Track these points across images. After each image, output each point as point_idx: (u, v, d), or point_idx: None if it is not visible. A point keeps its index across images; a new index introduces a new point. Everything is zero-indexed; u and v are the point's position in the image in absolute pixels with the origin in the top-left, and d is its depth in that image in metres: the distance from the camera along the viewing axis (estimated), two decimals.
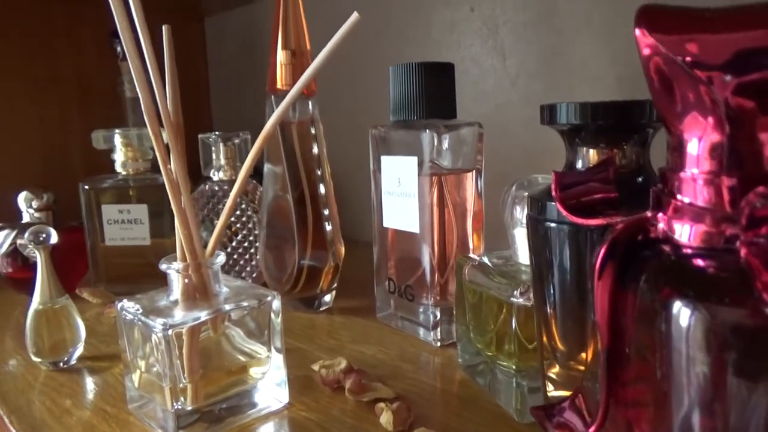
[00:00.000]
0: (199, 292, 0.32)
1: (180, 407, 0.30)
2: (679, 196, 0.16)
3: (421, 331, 0.43)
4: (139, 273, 0.59)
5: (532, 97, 0.57)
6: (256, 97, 0.94)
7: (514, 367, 0.30)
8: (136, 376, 0.33)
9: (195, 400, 0.31)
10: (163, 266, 0.32)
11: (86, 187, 0.58)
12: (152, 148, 0.59)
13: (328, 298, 0.52)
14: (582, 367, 0.25)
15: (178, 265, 0.32)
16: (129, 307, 0.32)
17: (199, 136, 0.57)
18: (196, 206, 0.57)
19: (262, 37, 0.91)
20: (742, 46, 0.14)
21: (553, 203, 0.24)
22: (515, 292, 0.30)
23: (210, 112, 1.02)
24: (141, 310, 0.31)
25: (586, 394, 0.19)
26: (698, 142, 0.15)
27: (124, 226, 0.58)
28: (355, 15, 0.29)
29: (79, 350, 0.42)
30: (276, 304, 0.33)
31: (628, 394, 0.17)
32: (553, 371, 0.25)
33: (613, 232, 0.17)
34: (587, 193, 0.20)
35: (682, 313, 0.14)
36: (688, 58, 0.14)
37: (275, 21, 0.48)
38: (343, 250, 0.52)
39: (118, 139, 0.57)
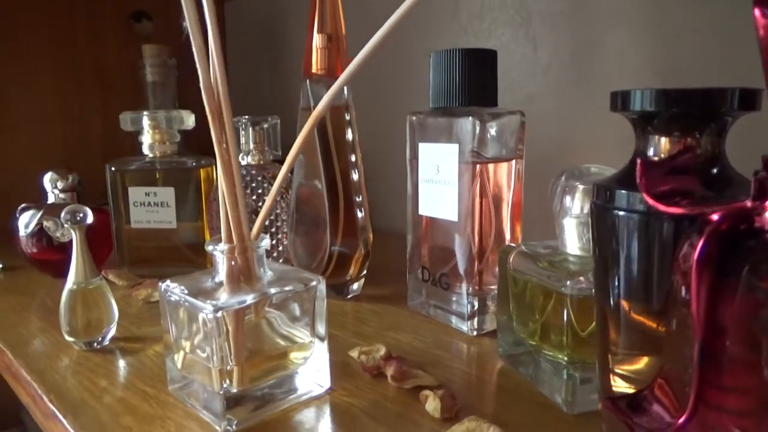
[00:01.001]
0: (243, 275, 0.32)
1: (227, 389, 0.30)
2: None
3: (454, 320, 0.43)
4: (163, 256, 0.59)
5: (563, 87, 0.57)
6: (274, 81, 0.93)
7: (566, 358, 0.30)
8: (178, 357, 0.33)
9: (241, 383, 0.30)
10: (209, 248, 0.32)
11: (113, 168, 0.57)
12: (180, 131, 0.59)
13: (356, 285, 0.52)
14: (642, 362, 0.25)
15: (224, 246, 0.31)
16: (174, 287, 0.32)
17: None
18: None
19: (283, 22, 0.90)
20: None
21: (622, 191, 0.24)
22: (568, 283, 0.30)
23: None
24: (187, 291, 0.31)
25: (668, 384, 0.19)
26: None
27: (150, 209, 0.57)
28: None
29: (113, 331, 0.42)
30: (321, 288, 0.33)
31: (721, 396, 0.17)
32: (618, 368, 0.25)
33: (712, 223, 0.16)
34: (669, 183, 0.20)
35: None
36: None
37: (312, 5, 0.47)
38: (371, 237, 0.51)
39: (145, 121, 0.57)
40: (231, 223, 0.31)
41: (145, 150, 0.57)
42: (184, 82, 0.84)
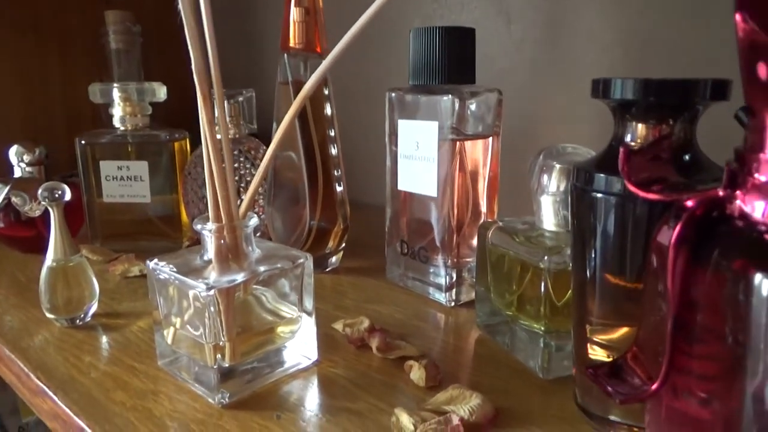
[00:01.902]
0: (232, 253, 0.33)
1: (219, 364, 0.31)
2: (756, 175, 0.17)
3: (432, 291, 0.45)
4: (137, 230, 0.59)
5: (536, 63, 0.58)
6: (248, 53, 0.91)
7: (542, 328, 0.32)
8: (168, 333, 0.34)
9: (233, 358, 0.31)
10: (197, 227, 0.32)
11: (83, 142, 0.56)
12: (152, 104, 0.58)
13: (334, 258, 0.53)
14: (617, 331, 0.27)
15: (212, 225, 0.32)
16: (162, 266, 0.32)
17: None
18: (198, 166, 0.56)
19: None
20: None
21: (601, 175, 0.25)
22: (545, 257, 0.31)
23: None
24: (176, 270, 0.32)
25: (642, 353, 0.21)
26: None
27: (123, 182, 0.57)
28: None
29: (94, 307, 0.42)
30: (308, 265, 0.34)
31: (690, 362, 0.18)
32: (595, 336, 0.27)
33: (688, 209, 0.18)
34: (647, 170, 0.21)
35: (764, 285, 0.16)
36: None
37: None
38: (349, 211, 0.52)
39: (116, 94, 0.55)
40: (220, 203, 0.31)
41: (116, 123, 0.56)
42: (149, 50, 0.81)
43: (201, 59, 0.27)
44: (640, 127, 0.25)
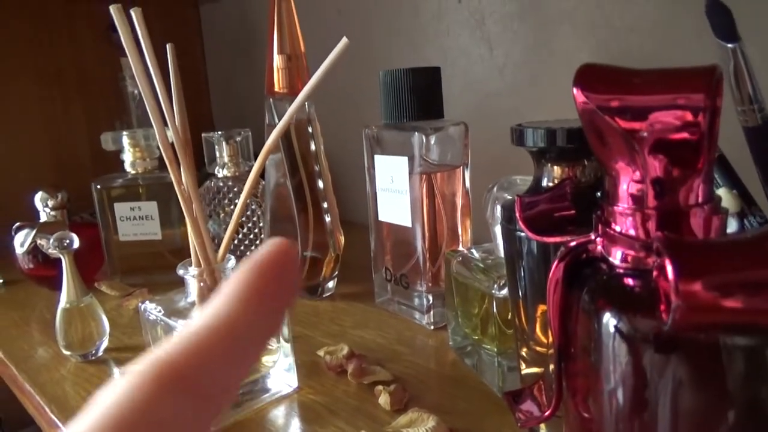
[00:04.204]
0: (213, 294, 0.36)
1: None
2: (612, 225, 0.19)
3: (417, 315, 0.47)
4: (151, 265, 0.63)
5: (518, 86, 0.60)
6: (253, 87, 0.96)
7: (495, 349, 0.34)
8: None
9: None
10: (180, 272, 0.36)
11: (98, 186, 0.61)
12: (158, 147, 0.62)
13: (330, 284, 0.56)
14: (544, 348, 0.29)
15: (193, 270, 0.35)
16: (151, 308, 0.36)
17: (203, 135, 0.60)
18: (204, 206, 0.60)
19: (255, 29, 0.93)
20: (656, 106, 0.17)
21: None
22: (495, 286, 0.33)
23: (209, 101, 1.04)
24: (162, 312, 0.35)
25: (545, 383, 0.23)
26: (626, 183, 0.18)
27: (135, 222, 0.61)
28: (344, 41, 0.32)
29: (105, 343, 0.46)
30: None
31: (575, 385, 0.20)
32: (524, 351, 0.29)
33: (563, 251, 0.20)
34: (547, 212, 0.23)
35: (610, 321, 0.18)
36: (614, 114, 0.18)
37: (269, 25, 0.50)
38: (342, 239, 0.55)
39: (126, 141, 0.60)
40: (197, 249, 0.35)
41: (128, 167, 0.61)
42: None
43: (162, 132, 0.31)
44: (556, 169, 0.27)
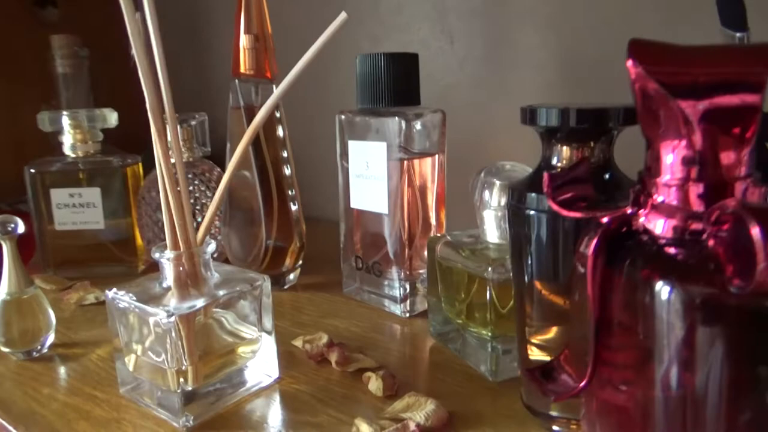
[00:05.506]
0: (191, 279, 0.34)
1: (183, 388, 0.32)
2: (655, 196, 0.20)
3: (388, 304, 0.47)
4: (91, 257, 0.58)
5: (478, 80, 0.61)
6: (199, 78, 0.92)
7: (489, 333, 0.34)
8: (129, 360, 0.34)
9: (196, 381, 0.32)
10: (156, 255, 0.33)
11: (32, 170, 0.56)
12: (102, 130, 0.58)
13: (292, 276, 0.54)
14: (552, 332, 0.29)
15: (170, 254, 0.33)
16: (122, 295, 0.33)
17: None
18: (152, 191, 0.56)
19: (207, 18, 0.89)
20: (715, 80, 0.17)
21: (533, 194, 0.28)
22: (489, 269, 0.34)
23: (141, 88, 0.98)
24: (136, 298, 0.32)
25: (572, 354, 0.23)
26: (672, 155, 0.19)
27: (75, 210, 0.56)
28: (342, 15, 0.31)
29: (51, 338, 0.42)
30: (266, 286, 0.35)
31: (611, 357, 0.21)
32: (534, 337, 0.29)
33: (602, 225, 0.20)
34: (570, 191, 0.24)
35: (663, 290, 0.18)
36: (667, 87, 0.18)
37: (237, 6, 0.48)
38: (305, 229, 0.54)
39: (66, 121, 0.55)
40: (177, 231, 0.32)
41: (67, 150, 0.56)
42: (98, 73, 0.81)
43: (155, 96, 0.28)
44: (564, 150, 0.27)
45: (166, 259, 0.33)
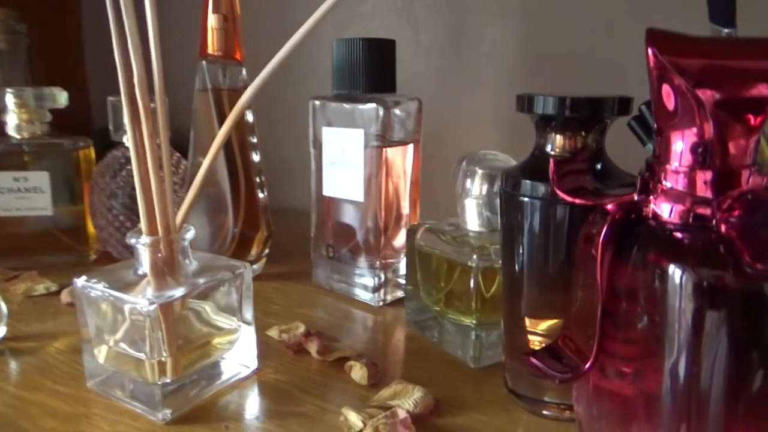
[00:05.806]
0: (168, 267, 0.32)
1: (162, 380, 0.30)
2: (664, 182, 0.20)
3: (359, 293, 0.46)
4: (38, 245, 0.55)
5: (442, 70, 0.61)
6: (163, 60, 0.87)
7: (474, 321, 0.35)
8: (100, 351, 0.32)
9: (175, 372, 0.31)
10: (131, 241, 0.31)
11: None
12: (51, 111, 0.54)
13: (257, 266, 0.52)
14: (544, 319, 0.30)
15: (147, 239, 0.31)
16: (94, 283, 0.31)
17: (109, 99, 0.53)
18: (106, 176, 0.53)
19: None
20: (732, 69, 0.18)
21: (527, 181, 0.28)
22: (474, 256, 0.34)
23: (84, 67, 0.93)
24: (110, 286, 0.31)
25: (572, 337, 0.24)
26: (682, 142, 0.20)
27: (20, 194, 0.53)
28: None
29: (3, 331, 0.39)
30: (248, 275, 0.34)
31: (615, 345, 0.21)
32: (527, 324, 0.30)
33: (612, 211, 0.21)
34: (573, 179, 0.24)
35: (676, 273, 0.19)
36: (684, 76, 0.19)
37: None
38: (271, 218, 0.52)
39: (10, 99, 0.51)
40: (157, 216, 0.31)
41: (11, 131, 0.52)
42: (36, 51, 0.75)
43: (144, 72, 0.27)
44: (558, 138, 0.28)
45: (142, 244, 0.31)
